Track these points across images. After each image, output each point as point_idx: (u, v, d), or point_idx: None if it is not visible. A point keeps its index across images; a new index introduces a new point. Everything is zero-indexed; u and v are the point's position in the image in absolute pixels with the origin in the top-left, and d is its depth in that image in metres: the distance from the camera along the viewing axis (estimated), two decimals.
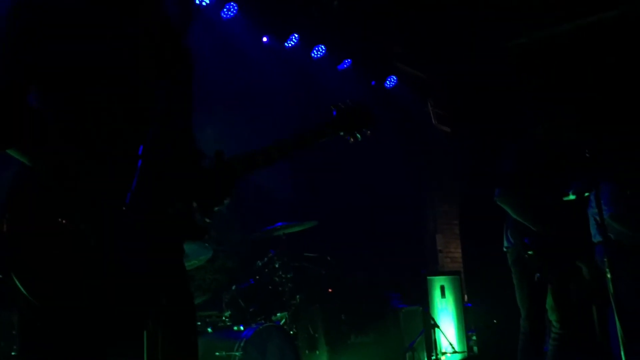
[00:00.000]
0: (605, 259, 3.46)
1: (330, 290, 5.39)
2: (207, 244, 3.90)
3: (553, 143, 4.01)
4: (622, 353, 3.26)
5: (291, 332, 4.18)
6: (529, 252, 3.72)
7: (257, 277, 4.37)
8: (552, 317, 3.88)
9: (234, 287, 4.27)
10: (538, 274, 3.72)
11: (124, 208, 1.37)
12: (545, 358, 3.91)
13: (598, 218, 4.22)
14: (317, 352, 4.67)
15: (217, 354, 3.61)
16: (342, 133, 2.01)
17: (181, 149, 1.68)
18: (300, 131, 1.95)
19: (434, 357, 5.63)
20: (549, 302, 3.85)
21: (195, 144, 1.79)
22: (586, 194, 3.96)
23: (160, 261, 1.47)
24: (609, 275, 3.39)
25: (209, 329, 4.08)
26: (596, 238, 4.56)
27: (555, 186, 3.90)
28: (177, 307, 1.58)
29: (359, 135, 2.04)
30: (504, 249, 4.08)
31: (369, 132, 2.03)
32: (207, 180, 1.72)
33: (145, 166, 1.41)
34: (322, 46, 6.50)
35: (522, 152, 3.99)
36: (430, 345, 5.65)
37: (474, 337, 6.61)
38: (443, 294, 6.31)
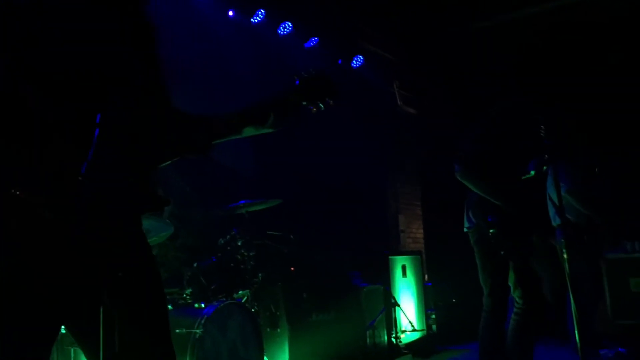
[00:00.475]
0: (562, 240, 3.53)
1: (292, 268, 5.39)
2: (168, 220, 3.85)
3: (511, 121, 4.06)
4: (576, 332, 3.36)
5: (253, 310, 4.17)
6: (491, 230, 3.76)
7: (219, 254, 4.34)
8: (515, 293, 3.95)
9: (195, 265, 4.23)
10: (502, 252, 3.77)
11: (79, 178, 1.33)
12: (506, 334, 3.99)
13: (556, 200, 4.32)
14: (279, 330, 4.67)
15: (177, 331, 3.58)
16: (305, 103, 1.92)
17: (146, 117, 1.63)
18: (262, 100, 1.88)
19: (393, 335, 5.71)
20: (512, 278, 3.92)
21: (171, 112, 1.74)
22: (544, 168, 4.01)
23: (117, 232, 1.44)
24: (565, 256, 3.48)
25: (170, 306, 4.05)
26: (555, 221, 4.66)
27: (513, 164, 3.95)
28: (138, 281, 1.55)
29: (321, 105, 1.94)
30: (465, 230, 4.13)
31: (331, 102, 1.94)
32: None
33: (102, 135, 1.36)
34: (289, 23, 6.41)
35: (480, 130, 4.02)
36: (391, 324, 5.73)
37: (433, 316, 6.74)
38: (404, 274, 6.38)
